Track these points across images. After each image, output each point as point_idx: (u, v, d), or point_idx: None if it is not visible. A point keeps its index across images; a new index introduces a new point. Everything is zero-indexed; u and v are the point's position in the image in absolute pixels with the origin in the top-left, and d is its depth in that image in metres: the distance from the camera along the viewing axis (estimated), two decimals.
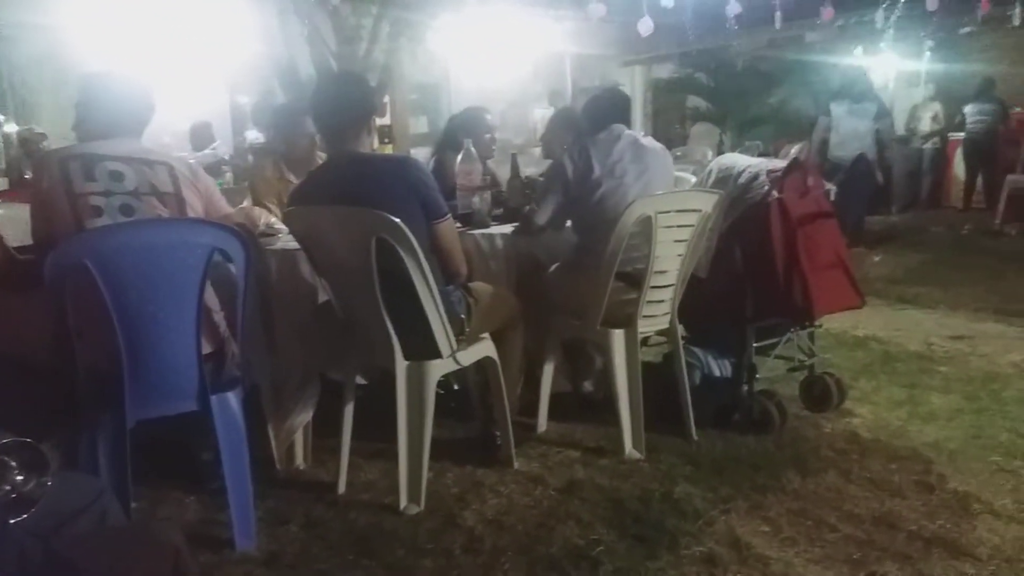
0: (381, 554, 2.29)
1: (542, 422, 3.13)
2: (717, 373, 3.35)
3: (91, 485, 1.61)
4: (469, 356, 2.65)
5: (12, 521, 1.25)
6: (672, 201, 2.86)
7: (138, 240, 2.13)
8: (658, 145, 3.15)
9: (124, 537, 1.49)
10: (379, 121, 5.06)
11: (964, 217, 8.93)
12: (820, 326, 3.33)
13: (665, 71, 11.30)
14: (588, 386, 3.44)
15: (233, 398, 2.30)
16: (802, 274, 2.96)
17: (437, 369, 2.55)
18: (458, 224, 2.99)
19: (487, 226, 3.14)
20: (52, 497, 1.30)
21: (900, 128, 9.54)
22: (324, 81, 3.91)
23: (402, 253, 2.35)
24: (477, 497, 2.61)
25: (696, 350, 3.33)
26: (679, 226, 2.84)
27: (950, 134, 9.61)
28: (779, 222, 2.98)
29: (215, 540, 2.36)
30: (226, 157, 6.54)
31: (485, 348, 2.71)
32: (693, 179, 3.77)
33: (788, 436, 3.01)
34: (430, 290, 2.43)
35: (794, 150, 6.07)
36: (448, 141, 3.82)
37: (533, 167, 4.13)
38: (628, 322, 2.86)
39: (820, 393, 3.26)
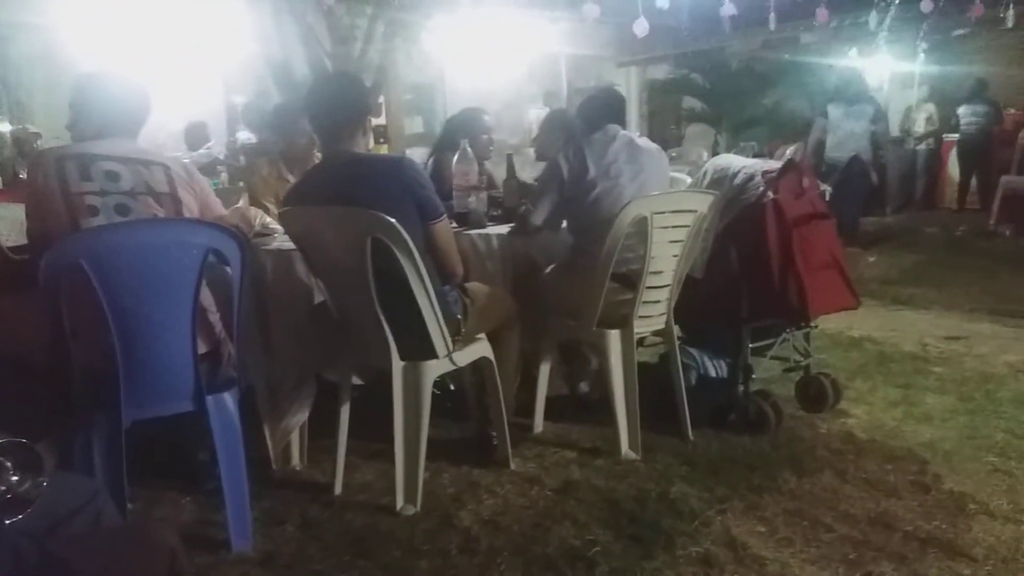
0: (377, 555, 2.29)
1: (538, 422, 3.13)
2: (713, 373, 3.35)
3: (86, 486, 1.61)
4: (465, 357, 2.65)
5: (7, 522, 1.24)
6: (668, 202, 2.86)
7: (133, 240, 2.13)
8: (653, 146, 3.15)
9: (119, 538, 1.48)
10: (374, 121, 5.05)
11: (958, 218, 8.96)
12: (816, 327, 3.34)
13: (660, 72, 11.33)
14: (584, 387, 3.44)
15: (229, 398, 2.30)
16: (797, 275, 2.96)
17: (433, 370, 2.55)
18: (454, 224, 2.99)
19: (484, 226, 3.14)
20: (47, 498, 1.30)
21: (895, 129, 9.57)
22: (319, 81, 3.90)
23: (398, 253, 2.35)
24: (473, 498, 2.61)
25: (692, 350, 3.34)
26: (675, 227, 2.84)
27: (945, 135, 9.64)
28: (774, 223, 2.98)
29: (211, 541, 2.36)
30: (221, 157, 6.53)
31: (481, 349, 2.71)
32: (688, 180, 3.77)
33: (784, 436, 3.01)
34: (426, 290, 2.43)
35: (789, 151, 6.08)
36: (446, 142, 3.83)
37: (528, 168, 4.13)
38: (624, 323, 2.86)
39: (816, 393, 3.27)
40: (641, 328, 2.94)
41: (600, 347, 2.91)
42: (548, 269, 3.13)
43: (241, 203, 3.41)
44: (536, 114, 8.91)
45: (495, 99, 8.21)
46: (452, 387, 3.29)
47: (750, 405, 3.07)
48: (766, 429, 3.02)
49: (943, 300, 5.20)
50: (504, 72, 8.60)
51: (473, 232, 3.07)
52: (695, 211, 2.87)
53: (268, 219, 2.97)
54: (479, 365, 2.76)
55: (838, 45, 8.94)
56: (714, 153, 7.54)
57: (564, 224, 3.07)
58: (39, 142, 5.34)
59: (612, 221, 2.74)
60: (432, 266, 2.50)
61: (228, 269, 2.22)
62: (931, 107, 9.71)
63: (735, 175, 3.11)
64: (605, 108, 3.12)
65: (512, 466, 2.81)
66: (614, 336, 2.86)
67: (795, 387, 3.33)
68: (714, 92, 9.45)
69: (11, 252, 2.38)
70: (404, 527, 2.43)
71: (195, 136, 6.85)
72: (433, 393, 2.57)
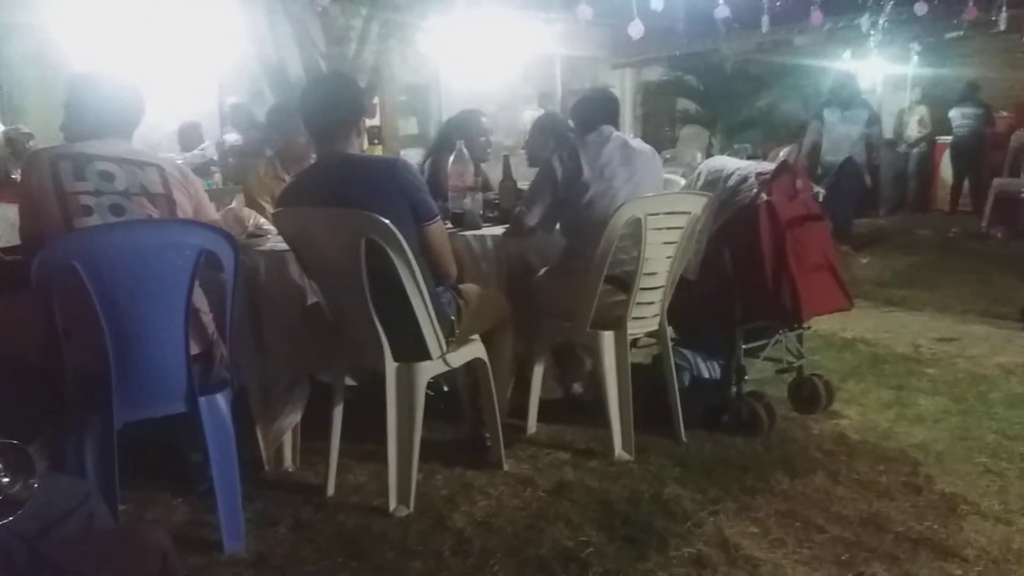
0: (370, 556, 2.29)
1: (532, 424, 3.13)
2: (706, 375, 3.36)
3: (78, 487, 1.60)
4: (459, 358, 2.65)
5: None
6: (662, 203, 2.87)
7: (126, 240, 2.12)
8: (647, 147, 3.15)
9: (111, 539, 1.48)
10: (368, 122, 5.04)
11: (951, 220, 9.00)
12: (808, 328, 3.35)
13: (655, 74, 11.33)
14: (578, 388, 3.44)
15: (222, 400, 2.29)
16: (790, 276, 2.97)
17: (427, 371, 2.55)
18: (449, 225, 2.99)
19: (479, 227, 3.14)
20: (39, 499, 1.29)
21: (888, 132, 9.61)
22: (313, 82, 3.89)
23: (392, 254, 2.35)
24: (467, 499, 2.61)
25: (685, 352, 3.34)
26: (668, 228, 2.84)
27: (937, 138, 9.68)
28: (768, 225, 2.99)
29: (203, 542, 2.35)
30: (215, 158, 6.52)
31: (475, 350, 2.71)
32: (682, 182, 3.78)
33: (777, 437, 3.02)
34: (420, 291, 2.43)
35: (783, 153, 6.10)
36: (443, 143, 3.82)
37: (521, 169, 4.12)
38: (618, 324, 2.87)
39: (808, 395, 3.28)
40: (635, 329, 2.95)
41: (594, 348, 2.91)
42: (541, 272, 3.13)
43: (234, 203, 3.41)
44: (531, 115, 8.89)
45: (490, 100, 8.21)
46: (446, 388, 3.29)
47: (743, 406, 3.08)
48: (759, 430, 3.02)
49: (935, 302, 5.22)
50: (499, 73, 8.60)
51: (468, 233, 3.08)
52: (689, 213, 2.88)
53: (262, 220, 2.96)
54: (473, 366, 2.76)
55: (832, 47, 8.96)
56: (708, 155, 7.55)
57: (558, 226, 3.07)
58: (32, 142, 5.33)
59: (606, 223, 2.74)
60: (426, 267, 2.50)
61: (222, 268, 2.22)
62: (923, 109, 9.75)
63: (729, 177, 3.12)
64: (599, 109, 3.12)
65: (505, 467, 2.81)
66: (608, 337, 2.86)
67: (788, 388, 3.33)
68: (708, 94, 9.45)
69: (4, 253, 2.37)
70: (397, 528, 2.43)
71: (189, 137, 6.84)
72: (426, 394, 2.57)
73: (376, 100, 6.96)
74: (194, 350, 2.22)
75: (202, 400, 2.23)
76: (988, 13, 6.39)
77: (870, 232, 8.24)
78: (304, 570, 2.25)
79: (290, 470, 2.87)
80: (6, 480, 1.26)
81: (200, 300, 2.30)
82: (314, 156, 3.20)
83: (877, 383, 3.62)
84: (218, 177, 6.11)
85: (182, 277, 2.11)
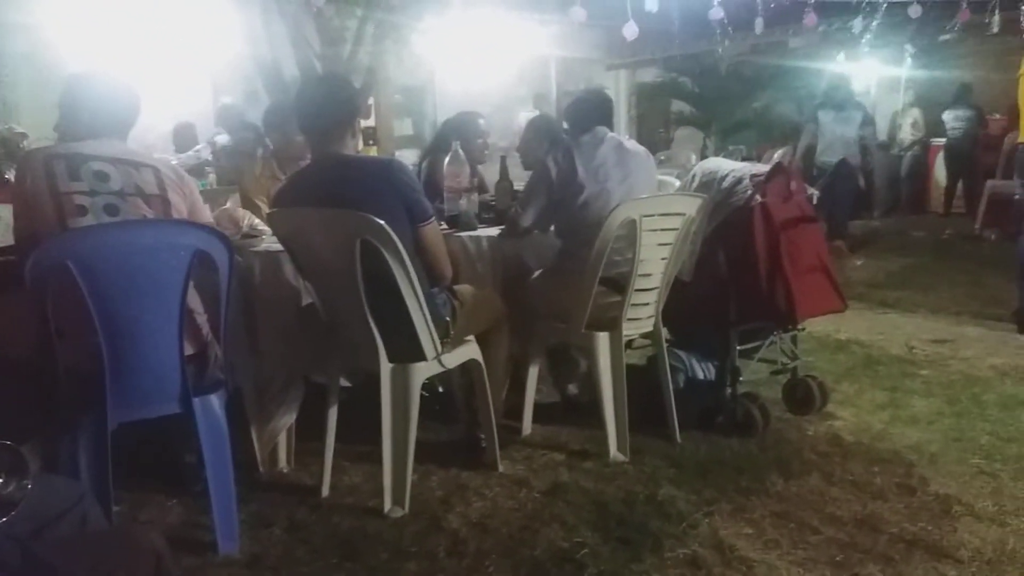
0: (365, 557, 2.28)
1: (527, 425, 3.13)
2: (701, 376, 3.36)
3: (72, 488, 1.60)
4: (454, 358, 2.64)
5: None
6: (656, 205, 2.87)
7: (120, 241, 2.12)
8: (641, 149, 3.16)
9: (105, 541, 1.48)
10: (363, 123, 5.04)
11: (945, 222, 9.03)
12: (803, 329, 3.35)
13: (649, 75, 11.36)
14: (573, 389, 3.44)
15: (216, 400, 2.29)
16: (785, 278, 2.98)
17: (422, 372, 2.55)
18: (444, 226, 2.99)
19: (474, 228, 3.14)
20: (32, 500, 1.29)
21: (882, 134, 9.63)
22: (308, 83, 3.90)
23: (387, 255, 2.35)
24: (462, 500, 2.61)
25: (680, 353, 3.34)
26: (663, 230, 2.85)
27: (932, 139, 9.71)
28: (762, 226, 2.99)
29: (198, 543, 2.35)
30: (209, 158, 6.51)
31: (470, 351, 2.71)
32: (677, 183, 3.78)
33: (771, 439, 3.02)
34: (415, 292, 2.43)
35: (777, 155, 6.11)
36: (440, 144, 3.81)
37: (515, 170, 4.12)
38: (613, 325, 2.87)
39: (803, 396, 3.28)
40: (629, 331, 2.95)
41: (589, 350, 2.91)
42: (536, 274, 3.13)
43: (229, 204, 3.40)
44: (526, 116, 8.89)
45: (485, 101, 8.19)
46: (441, 389, 3.29)
47: (738, 408, 3.08)
48: (753, 432, 3.03)
49: (929, 303, 5.24)
50: (494, 74, 8.60)
51: (463, 234, 3.07)
52: (683, 214, 2.88)
53: (256, 220, 2.96)
54: (468, 367, 2.76)
55: (826, 49, 8.99)
56: (703, 156, 7.56)
57: (552, 228, 3.07)
58: (25, 142, 5.30)
59: (600, 224, 2.74)
60: (421, 268, 2.50)
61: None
62: (917, 112, 9.78)
63: (723, 178, 3.12)
64: (593, 110, 3.12)
65: (500, 468, 2.80)
66: (603, 339, 2.86)
67: (782, 390, 3.34)
68: (703, 96, 9.49)
69: None
70: (392, 530, 2.43)
71: (183, 137, 6.81)
72: (421, 395, 2.57)
73: (371, 101, 6.96)
74: (188, 351, 2.21)
75: (196, 401, 2.22)
76: (981, 16, 6.41)
77: (864, 234, 8.26)
78: (299, 571, 2.24)
79: (285, 471, 2.86)
80: None
81: (194, 301, 2.29)
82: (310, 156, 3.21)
83: (871, 384, 3.63)
84: (212, 178, 6.09)
85: (176, 277, 2.11)
